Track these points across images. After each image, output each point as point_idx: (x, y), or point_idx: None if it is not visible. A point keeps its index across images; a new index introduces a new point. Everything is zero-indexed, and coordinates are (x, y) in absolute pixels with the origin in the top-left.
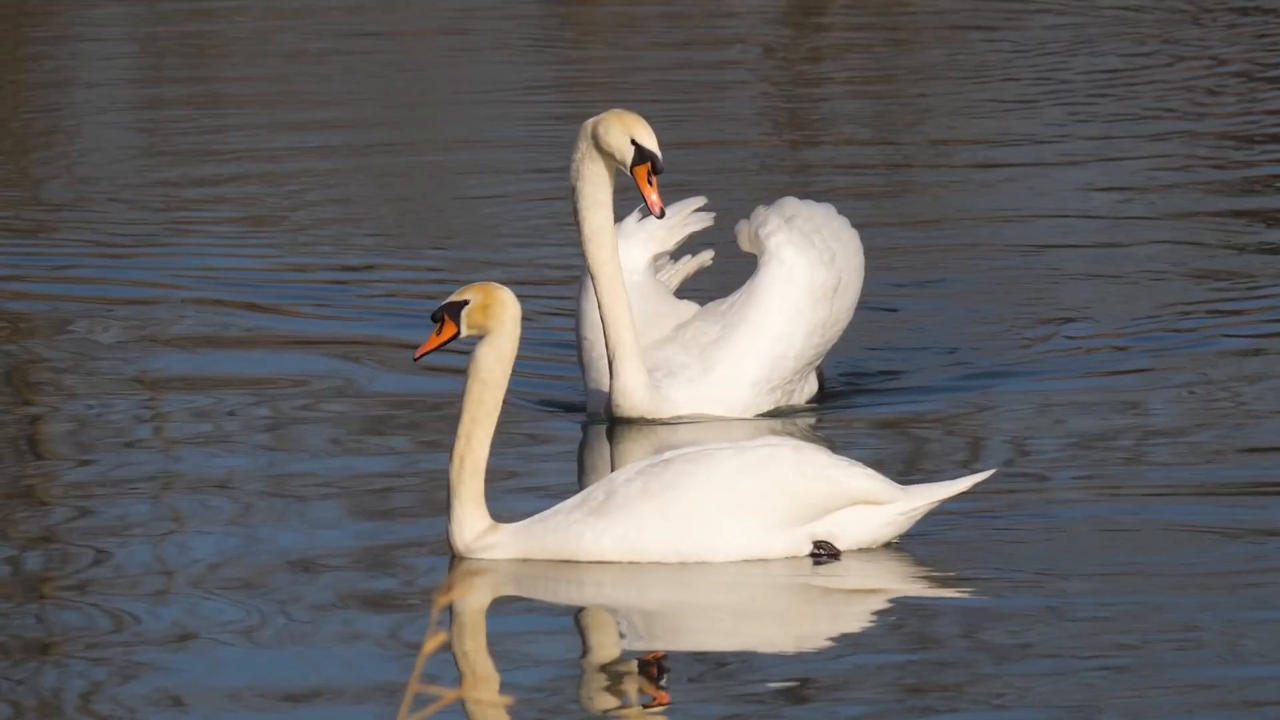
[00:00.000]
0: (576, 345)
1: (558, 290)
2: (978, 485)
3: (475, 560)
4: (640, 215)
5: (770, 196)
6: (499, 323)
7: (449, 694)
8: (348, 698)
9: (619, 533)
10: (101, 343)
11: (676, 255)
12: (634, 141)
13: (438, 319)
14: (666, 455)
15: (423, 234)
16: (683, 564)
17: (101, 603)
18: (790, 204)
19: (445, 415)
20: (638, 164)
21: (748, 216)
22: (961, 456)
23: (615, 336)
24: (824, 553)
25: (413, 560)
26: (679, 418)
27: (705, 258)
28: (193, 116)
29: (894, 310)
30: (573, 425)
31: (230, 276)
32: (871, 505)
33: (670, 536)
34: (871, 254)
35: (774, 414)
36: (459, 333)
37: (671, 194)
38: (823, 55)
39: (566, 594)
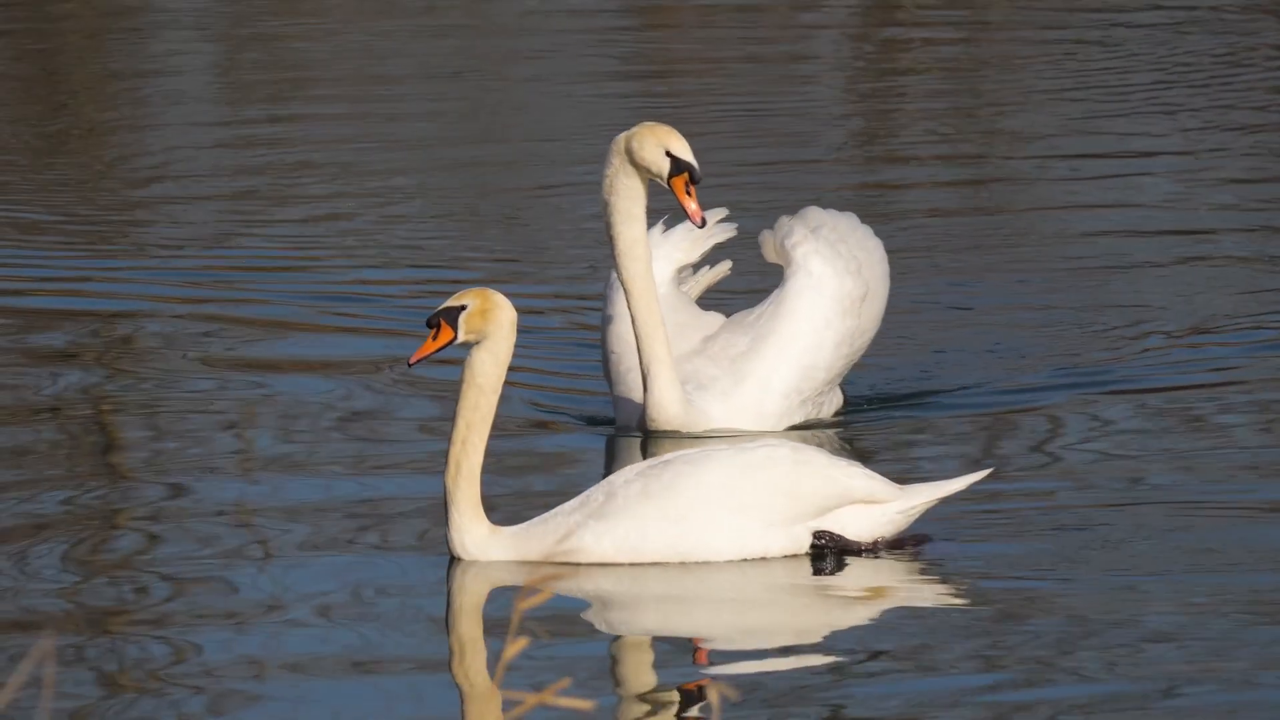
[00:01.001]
0: (603, 359)
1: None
2: (978, 484)
3: (476, 564)
4: (664, 228)
5: (849, 196)
6: (497, 327)
7: (531, 698)
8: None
9: (619, 534)
10: (178, 358)
11: (697, 267)
12: (669, 153)
13: (433, 324)
14: (666, 457)
15: (499, 244)
16: (683, 564)
17: (176, 635)
18: (814, 214)
19: (515, 435)
20: (675, 175)
21: (770, 226)
22: (976, 461)
23: (649, 351)
24: (827, 543)
25: (489, 575)
26: (711, 431)
27: (724, 268)
28: (270, 128)
29: (968, 309)
30: (600, 439)
31: (307, 290)
32: (869, 504)
33: (670, 537)
34: (951, 252)
35: (804, 426)
36: (456, 338)
37: (748, 195)
38: (902, 52)
39: (567, 596)
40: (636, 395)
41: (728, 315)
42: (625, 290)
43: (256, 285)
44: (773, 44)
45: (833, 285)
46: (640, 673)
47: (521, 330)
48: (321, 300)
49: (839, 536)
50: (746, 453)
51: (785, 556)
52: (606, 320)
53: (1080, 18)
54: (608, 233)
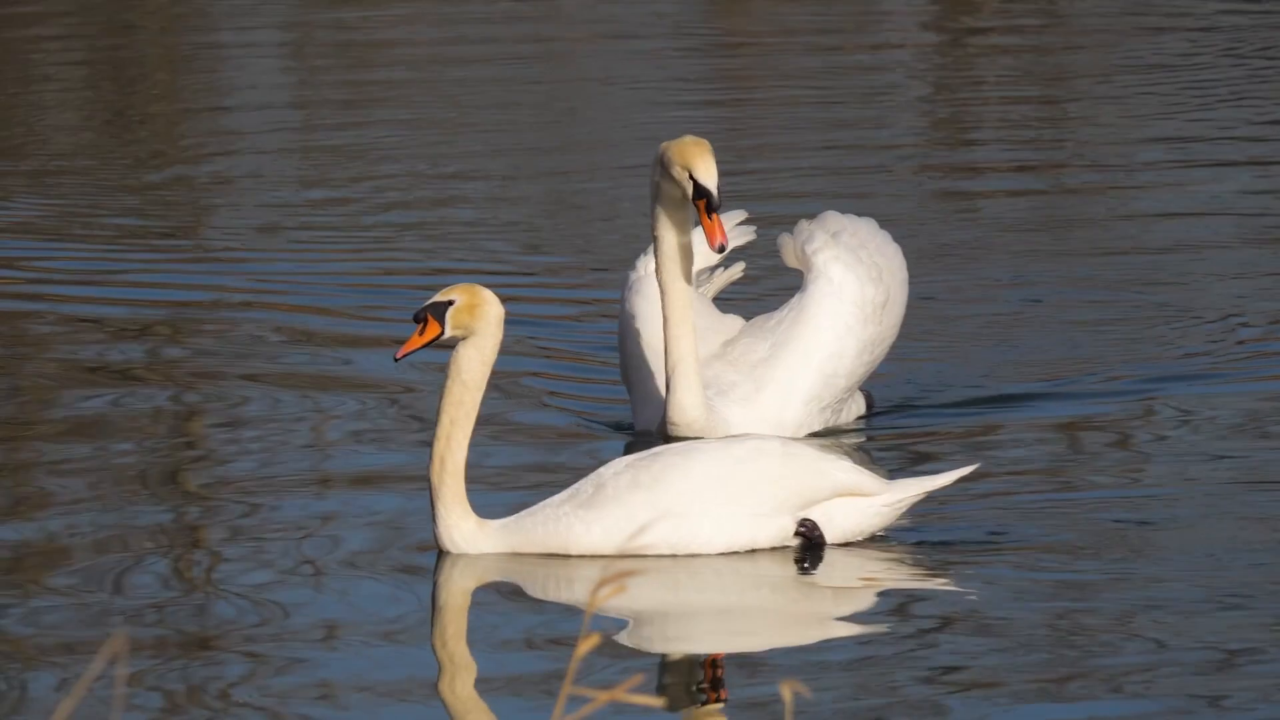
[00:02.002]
0: (621, 363)
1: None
2: (963, 479)
3: (465, 556)
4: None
5: (922, 198)
6: (484, 323)
7: (602, 695)
8: (500, 697)
9: (608, 524)
10: (241, 371)
11: (715, 269)
12: (691, 175)
13: (420, 319)
14: (655, 449)
15: (567, 246)
16: (672, 555)
17: (240, 650)
18: (834, 219)
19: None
20: (698, 197)
21: (790, 230)
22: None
23: (676, 352)
24: (806, 532)
25: (562, 560)
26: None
27: (736, 270)
28: (343, 128)
29: (1038, 301)
30: (618, 445)
31: (376, 284)
32: (857, 497)
33: (659, 528)
34: (1023, 249)
35: (823, 433)
36: (443, 333)
37: (821, 200)
38: (978, 54)
39: (556, 589)
40: (656, 400)
41: (746, 318)
42: (662, 291)
43: (324, 290)
44: (847, 49)
45: (854, 292)
46: (675, 672)
47: (560, 333)
48: (386, 304)
49: (818, 529)
50: (735, 445)
51: (773, 548)
52: (624, 324)
53: (1162, 15)
54: (652, 234)
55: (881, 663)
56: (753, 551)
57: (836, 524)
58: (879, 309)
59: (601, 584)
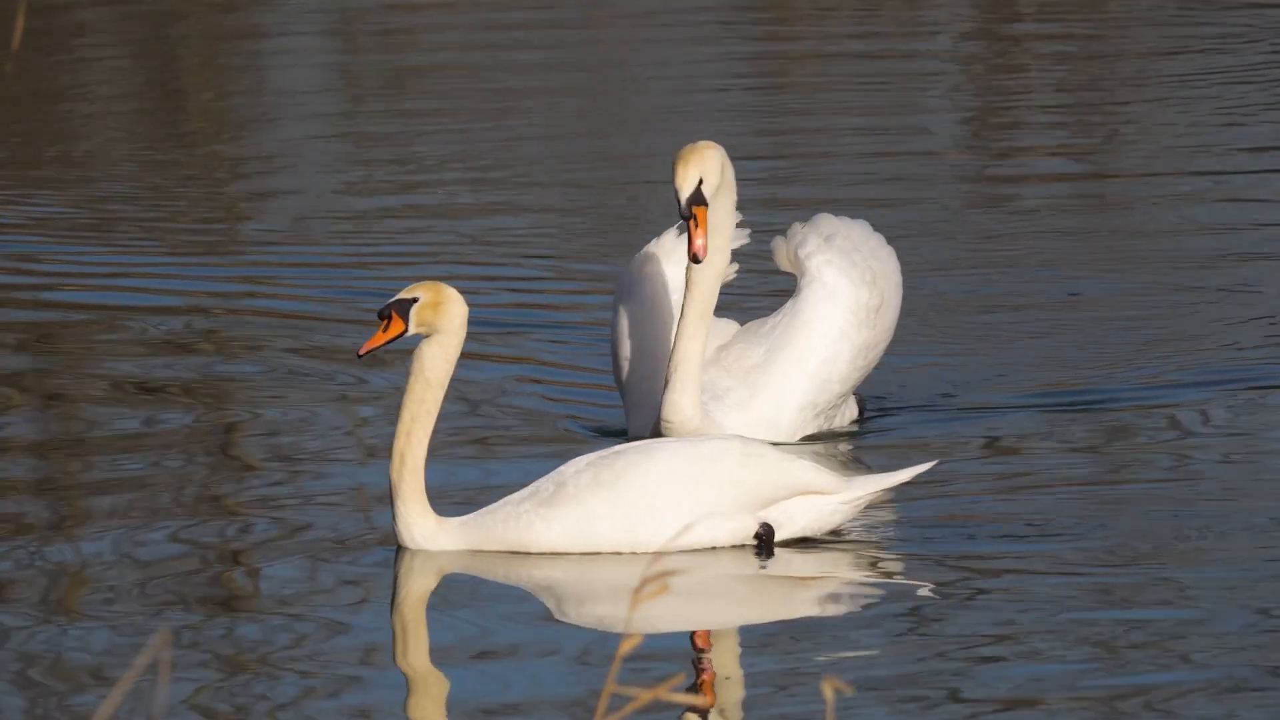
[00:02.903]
0: (614, 367)
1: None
2: (921, 476)
3: (426, 553)
4: (679, 231)
5: (965, 196)
6: (448, 321)
7: (644, 695)
8: (541, 707)
9: (568, 522)
10: (303, 369)
11: None
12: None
13: (385, 316)
14: (617, 447)
15: (586, 250)
16: (633, 554)
17: (319, 669)
18: (827, 222)
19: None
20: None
21: (784, 233)
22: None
23: (682, 353)
24: (764, 534)
25: (597, 567)
26: None
27: (731, 271)
28: (389, 125)
29: (1076, 294)
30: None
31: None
32: (816, 495)
33: (620, 526)
34: (1056, 246)
35: (816, 437)
36: (406, 330)
37: (859, 199)
38: (1022, 50)
39: (519, 585)
40: (650, 405)
41: (741, 323)
42: (687, 286)
43: (352, 296)
44: (890, 55)
45: (848, 296)
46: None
47: (574, 337)
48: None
49: (772, 543)
50: (696, 444)
51: (733, 546)
52: (618, 327)
53: (1212, 22)
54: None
55: (877, 664)
56: (714, 549)
57: (796, 521)
58: (873, 313)
59: (644, 583)
